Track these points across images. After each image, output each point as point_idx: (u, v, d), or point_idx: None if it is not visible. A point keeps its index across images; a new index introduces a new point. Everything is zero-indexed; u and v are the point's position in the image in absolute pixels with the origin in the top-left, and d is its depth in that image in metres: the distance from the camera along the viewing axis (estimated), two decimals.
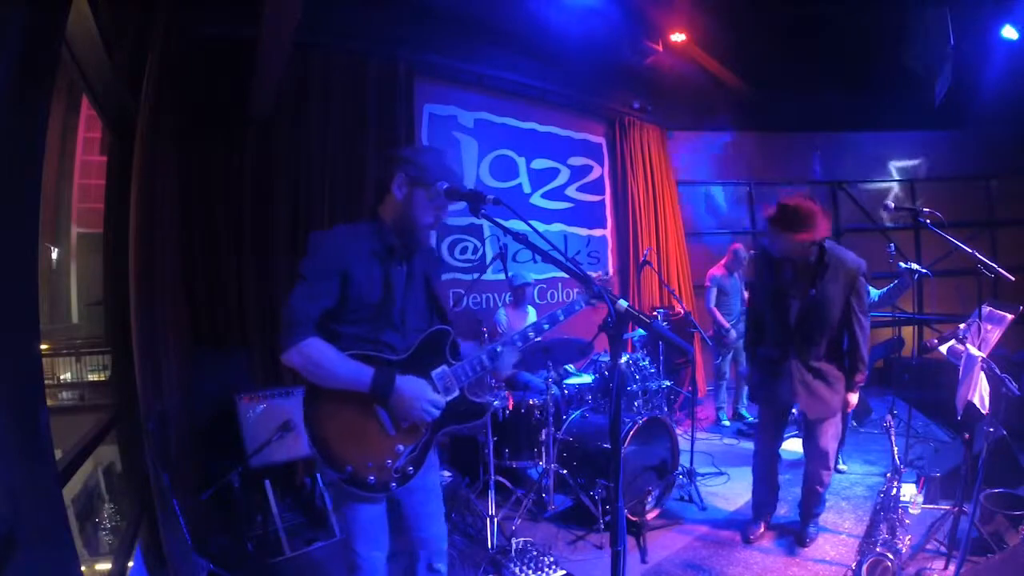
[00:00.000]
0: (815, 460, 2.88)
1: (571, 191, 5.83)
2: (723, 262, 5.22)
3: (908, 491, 3.08)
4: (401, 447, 1.72)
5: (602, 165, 6.17)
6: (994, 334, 2.66)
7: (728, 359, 5.24)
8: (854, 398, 2.82)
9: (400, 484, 1.72)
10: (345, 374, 1.63)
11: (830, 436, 2.83)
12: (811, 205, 2.59)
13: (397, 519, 1.86)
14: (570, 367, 4.32)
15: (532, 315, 4.43)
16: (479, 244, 5.02)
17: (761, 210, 7.09)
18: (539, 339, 1.89)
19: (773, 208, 2.64)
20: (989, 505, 2.68)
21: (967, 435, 2.69)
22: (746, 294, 5.16)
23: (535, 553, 2.80)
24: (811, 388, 2.75)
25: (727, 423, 5.25)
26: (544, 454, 3.40)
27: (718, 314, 5.05)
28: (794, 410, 3.00)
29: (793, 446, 3.92)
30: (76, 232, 2.47)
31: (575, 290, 5.58)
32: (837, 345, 2.80)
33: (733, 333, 5.04)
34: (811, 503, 2.98)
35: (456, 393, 1.77)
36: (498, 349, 1.78)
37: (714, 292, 5.10)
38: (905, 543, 2.61)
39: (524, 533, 3.06)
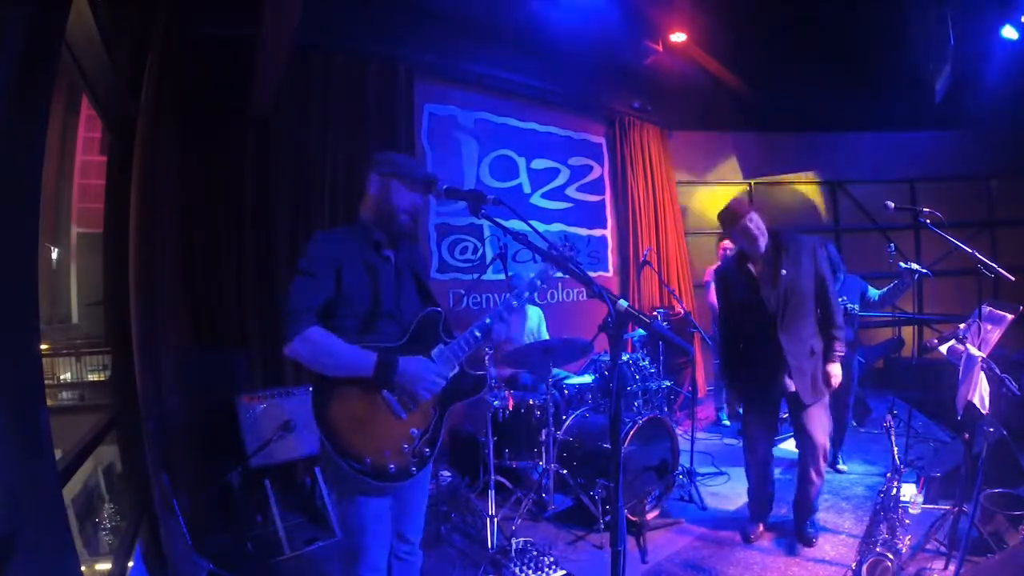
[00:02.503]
0: (809, 446, 2.87)
1: (571, 191, 5.82)
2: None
3: (908, 491, 3.07)
4: (415, 430, 1.76)
5: (602, 165, 6.16)
6: (994, 334, 2.65)
7: None
8: (836, 368, 2.82)
9: (420, 467, 1.76)
10: (349, 359, 1.67)
11: (822, 419, 2.85)
12: (731, 203, 2.98)
13: None
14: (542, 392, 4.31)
15: (533, 315, 4.43)
16: (479, 244, 5.02)
17: (761, 210, 7.10)
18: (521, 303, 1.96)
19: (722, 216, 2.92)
20: (989, 505, 2.67)
21: (967, 435, 2.68)
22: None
23: (535, 553, 2.79)
24: (803, 371, 2.79)
25: (727, 423, 5.25)
26: (544, 454, 3.40)
27: None
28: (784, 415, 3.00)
29: (792, 446, 3.91)
30: (76, 232, 2.47)
31: (575, 289, 5.59)
32: (820, 320, 2.89)
33: None
34: (808, 495, 2.94)
35: (456, 368, 1.84)
36: (487, 322, 1.86)
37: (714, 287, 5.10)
38: (905, 543, 2.60)
39: (524, 533, 3.06)
